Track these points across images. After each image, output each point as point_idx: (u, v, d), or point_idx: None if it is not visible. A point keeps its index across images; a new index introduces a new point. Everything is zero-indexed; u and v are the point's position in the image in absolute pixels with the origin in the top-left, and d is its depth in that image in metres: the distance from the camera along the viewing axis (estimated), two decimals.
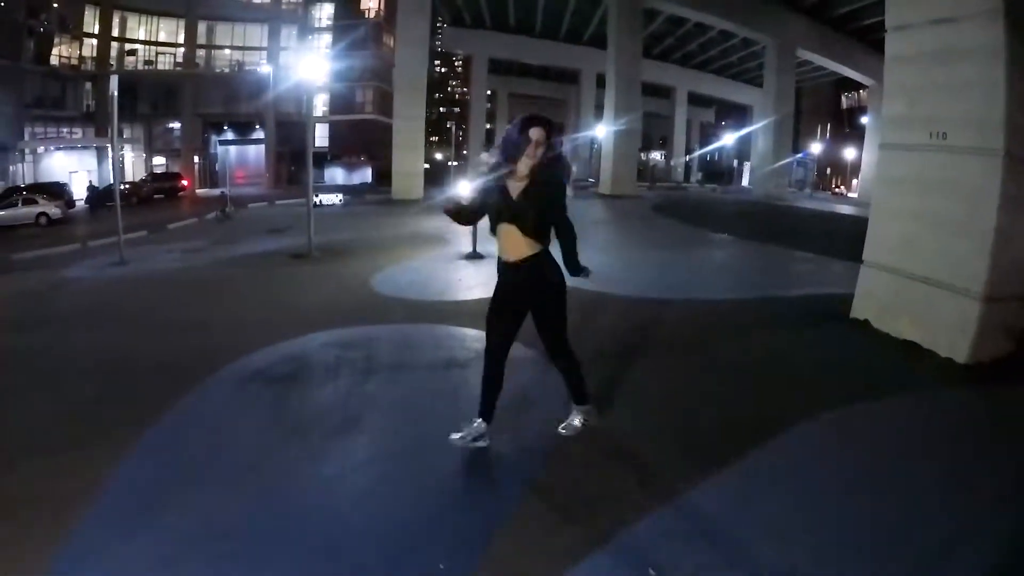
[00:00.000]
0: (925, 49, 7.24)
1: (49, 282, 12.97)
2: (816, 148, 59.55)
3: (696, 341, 7.40)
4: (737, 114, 68.79)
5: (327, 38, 56.77)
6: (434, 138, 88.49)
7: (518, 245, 4.19)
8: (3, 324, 9.10)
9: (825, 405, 5.26)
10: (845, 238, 11.02)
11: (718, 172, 69.41)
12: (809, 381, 6.02)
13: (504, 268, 4.30)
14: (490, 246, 13.99)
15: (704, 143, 72.05)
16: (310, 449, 4.58)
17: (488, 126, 71.24)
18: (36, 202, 30.44)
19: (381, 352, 6.80)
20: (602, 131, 40.31)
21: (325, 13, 56.53)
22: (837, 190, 59.09)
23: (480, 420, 4.46)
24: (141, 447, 4.61)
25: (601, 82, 43.49)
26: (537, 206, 4.14)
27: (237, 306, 9.64)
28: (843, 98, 63.96)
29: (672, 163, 66.19)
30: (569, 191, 4.38)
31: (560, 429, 4.66)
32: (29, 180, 39.68)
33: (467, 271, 11.97)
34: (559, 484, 4.06)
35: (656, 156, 73.73)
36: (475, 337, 7.15)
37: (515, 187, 4.18)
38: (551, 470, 4.24)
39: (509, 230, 4.19)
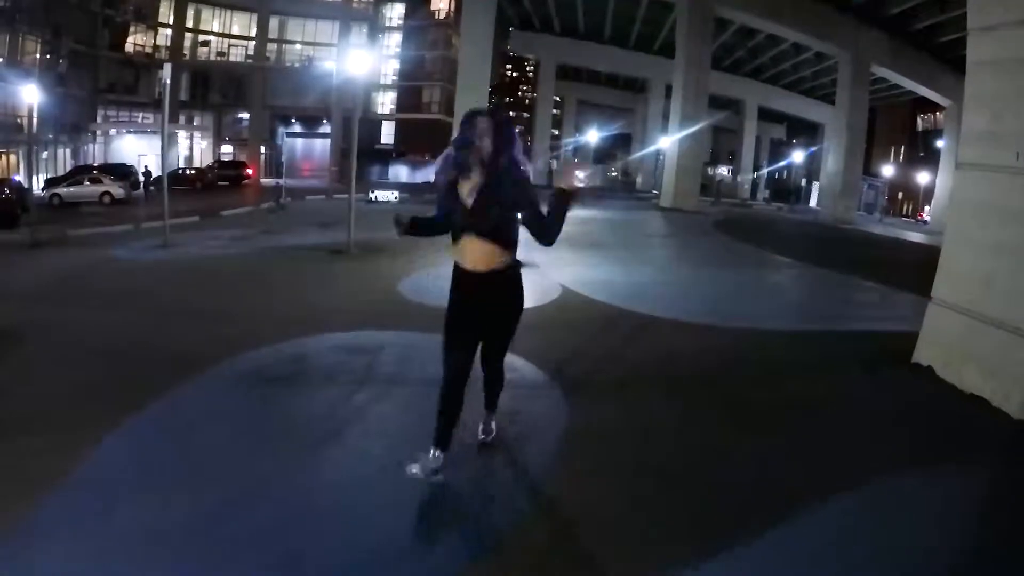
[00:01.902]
0: (1014, 54, 6.17)
1: (92, 260, 13.38)
2: (888, 171, 57.33)
3: (729, 378, 6.56)
4: (809, 131, 66.80)
5: (396, 37, 57.43)
6: None
7: (485, 254, 3.77)
8: (32, 298, 9.51)
9: (862, 473, 4.39)
10: (916, 269, 10.00)
11: (786, 191, 67.10)
12: (850, 440, 5.13)
13: (466, 279, 3.85)
14: (534, 253, 13.58)
15: (773, 160, 70.11)
16: (277, 461, 4.24)
17: (555, 132, 70.71)
18: (101, 182, 31.37)
19: (384, 361, 6.35)
20: (667, 142, 39.34)
21: (396, 12, 57.11)
22: (921, 216, 55.71)
23: (438, 450, 3.91)
24: (118, 437, 4.51)
25: (670, 92, 42.39)
26: (497, 205, 3.71)
27: (261, 299, 9.58)
28: (919, 119, 61.49)
29: (739, 179, 64.40)
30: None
31: (481, 436, 4.47)
32: (100, 161, 41.07)
33: None
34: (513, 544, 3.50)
35: (723, 171, 72.08)
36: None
37: (468, 188, 3.76)
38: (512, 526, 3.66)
39: (470, 238, 3.76)
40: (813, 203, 57.15)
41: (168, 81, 15.14)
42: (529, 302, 9.29)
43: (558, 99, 70.69)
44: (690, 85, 36.39)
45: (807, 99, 59.59)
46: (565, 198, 3.79)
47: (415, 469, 3.85)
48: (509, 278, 3.89)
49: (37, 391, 5.48)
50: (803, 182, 68.04)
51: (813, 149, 57.79)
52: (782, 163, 67.23)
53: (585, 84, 68.78)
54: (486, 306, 3.86)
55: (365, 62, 18.69)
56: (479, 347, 3.98)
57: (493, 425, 4.48)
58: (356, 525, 3.57)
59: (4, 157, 36.10)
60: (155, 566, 3.19)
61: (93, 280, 11.42)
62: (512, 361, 6.42)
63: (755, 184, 66.28)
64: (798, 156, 61.37)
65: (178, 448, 4.47)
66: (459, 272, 3.87)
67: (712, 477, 4.33)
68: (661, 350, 7.46)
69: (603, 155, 72.34)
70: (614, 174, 72.15)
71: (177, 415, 5.04)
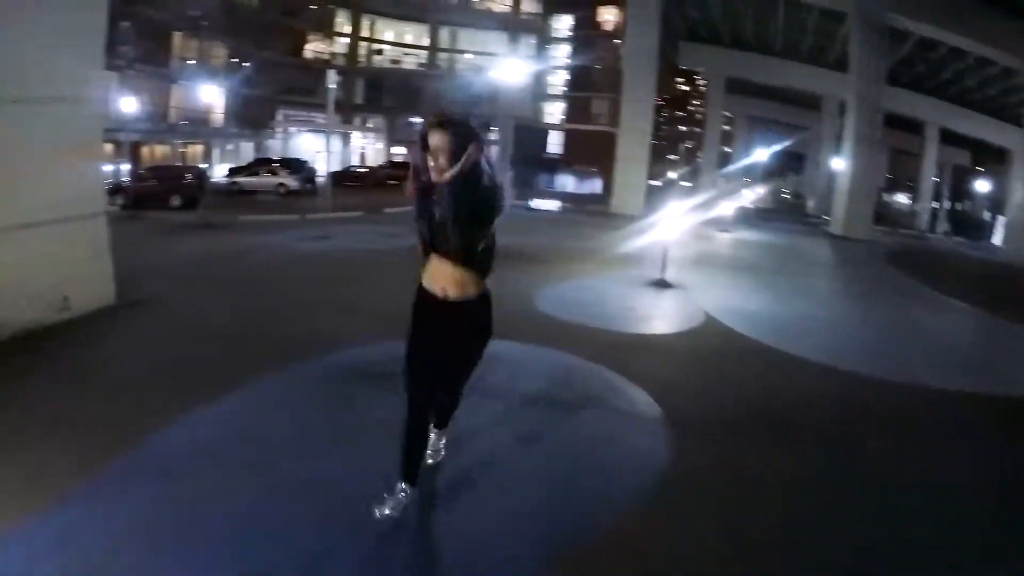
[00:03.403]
0: None
1: (250, 244, 14.75)
2: None
3: (863, 439, 5.68)
4: (996, 158, 61.33)
5: (565, 48, 58.19)
6: (671, 156, 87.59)
7: (457, 280, 3.47)
8: (181, 275, 10.73)
9: None
10: None
11: (968, 224, 62.03)
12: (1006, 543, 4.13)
13: (433, 304, 3.54)
14: (684, 274, 13.17)
15: (956, 189, 65.09)
16: (326, 464, 4.36)
17: (725, 149, 68.84)
18: (278, 174, 34.20)
19: (485, 372, 6.09)
20: (839, 163, 37.14)
21: (564, 24, 58.03)
22: None
23: (405, 485, 3.73)
24: (181, 422, 4.83)
25: (844, 110, 39.80)
26: (462, 222, 3.31)
27: (391, 294, 9.60)
28: None
29: (916, 207, 60.29)
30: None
31: (427, 460, 4.02)
32: (279, 155, 44.79)
33: (643, 300, 11.10)
34: None
35: (899, 198, 67.74)
36: (595, 375, 6.64)
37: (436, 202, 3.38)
38: None
39: (442, 260, 3.46)
40: (997, 240, 52.52)
41: (333, 85, 16.17)
42: (667, 327, 9.19)
43: (728, 115, 68.81)
44: (864, 102, 33.80)
45: (995, 121, 54.27)
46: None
47: (386, 509, 3.66)
48: (484, 309, 3.63)
49: (146, 363, 6.17)
50: (988, 215, 62.72)
51: (1000, 179, 52.92)
52: (965, 192, 62.18)
53: (756, 99, 66.09)
54: (450, 335, 3.57)
55: (525, 70, 19.05)
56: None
57: (442, 445, 4.23)
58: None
59: (191, 147, 39.98)
60: (142, 552, 3.39)
61: (243, 262, 12.58)
62: (625, 388, 6.31)
63: (934, 215, 61.80)
64: (983, 186, 56.53)
65: (232, 439, 4.69)
66: (426, 294, 3.57)
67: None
68: (793, 395, 6.79)
69: (773, 174, 69.79)
70: (785, 195, 69.49)
71: (253, 406, 5.36)
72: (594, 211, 34.14)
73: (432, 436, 4.04)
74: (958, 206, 65.66)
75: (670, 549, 3.75)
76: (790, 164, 69.43)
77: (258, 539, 3.52)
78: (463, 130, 3.28)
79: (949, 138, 58.10)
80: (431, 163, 3.29)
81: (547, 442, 4.97)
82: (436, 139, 3.25)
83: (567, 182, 56.79)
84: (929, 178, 58.64)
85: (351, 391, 5.70)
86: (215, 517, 3.68)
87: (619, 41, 52.69)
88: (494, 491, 4.13)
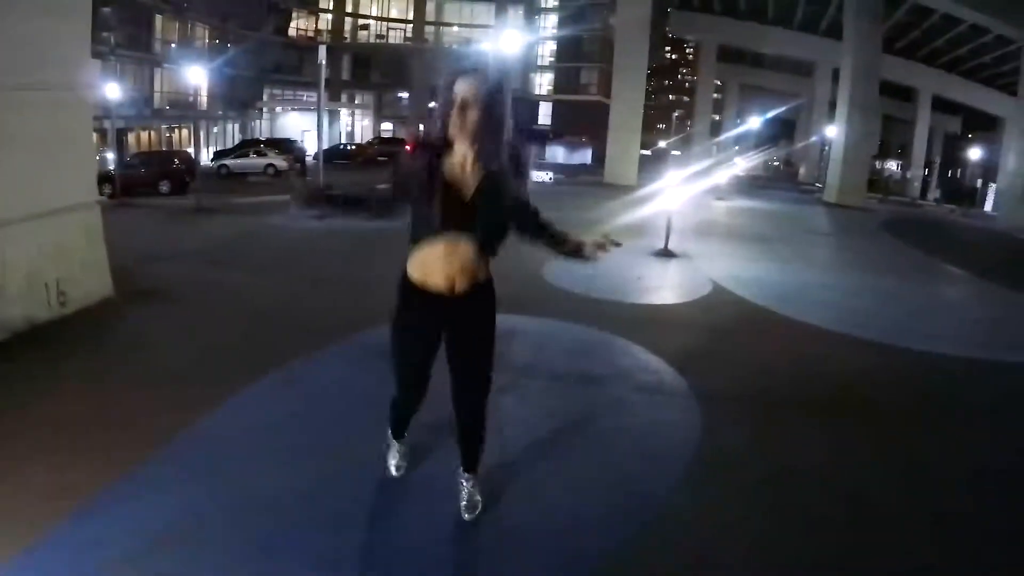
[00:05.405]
0: None
1: (247, 227, 14.80)
2: None
3: (898, 412, 5.41)
4: (987, 125, 60.92)
5: (553, 18, 57.80)
6: (661, 125, 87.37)
7: (467, 267, 2.88)
8: (184, 260, 10.62)
9: None
10: None
11: (959, 192, 61.53)
12: None
13: (433, 301, 2.95)
14: (687, 244, 12.99)
15: (947, 156, 64.72)
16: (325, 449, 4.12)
17: (716, 117, 68.44)
18: (266, 155, 33.74)
19: (504, 346, 5.82)
20: (832, 131, 36.65)
21: None
22: None
23: (395, 441, 3.70)
24: (238, 399, 4.76)
25: (838, 78, 39.19)
26: (497, 209, 2.86)
27: (389, 271, 9.47)
28: None
29: (908, 175, 59.94)
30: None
31: (464, 516, 3.37)
32: (266, 136, 44.72)
33: (650, 270, 11.04)
34: None
35: (891, 166, 67.34)
36: (622, 349, 6.49)
37: (463, 177, 2.81)
38: None
39: (454, 243, 2.84)
40: (988, 207, 52.34)
41: (323, 62, 16.14)
42: (678, 297, 9.05)
43: (719, 83, 68.43)
44: (859, 69, 33.27)
45: (986, 89, 53.90)
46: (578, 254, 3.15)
47: (392, 467, 3.71)
48: (490, 294, 3.07)
49: (175, 350, 5.98)
50: (979, 183, 62.45)
51: (992, 147, 52.66)
52: (956, 160, 61.84)
53: (748, 67, 65.42)
54: (457, 330, 3.08)
55: (514, 42, 18.83)
56: (451, 378, 3.18)
57: (478, 497, 3.44)
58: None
59: (177, 131, 39.55)
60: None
61: (244, 245, 12.52)
62: (648, 360, 6.15)
63: (926, 182, 61.52)
64: (975, 153, 56.26)
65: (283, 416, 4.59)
66: (415, 288, 2.98)
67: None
68: (814, 366, 6.53)
69: (765, 142, 69.47)
70: (776, 163, 69.30)
71: (294, 384, 5.24)
72: (588, 181, 34.02)
73: (465, 487, 3.44)
74: (949, 173, 65.51)
75: (712, 531, 3.55)
76: (781, 132, 69.03)
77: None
78: (494, 84, 2.77)
79: (941, 105, 57.88)
80: (458, 118, 2.72)
81: (574, 416, 4.83)
82: (466, 88, 2.72)
83: (557, 153, 56.78)
84: (921, 145, 58.45)
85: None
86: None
87: (608, 10, 52.38)
88: (525, 467, 3.97)
